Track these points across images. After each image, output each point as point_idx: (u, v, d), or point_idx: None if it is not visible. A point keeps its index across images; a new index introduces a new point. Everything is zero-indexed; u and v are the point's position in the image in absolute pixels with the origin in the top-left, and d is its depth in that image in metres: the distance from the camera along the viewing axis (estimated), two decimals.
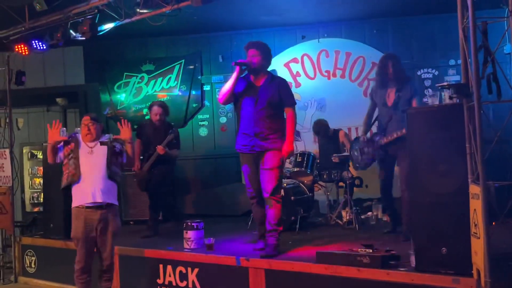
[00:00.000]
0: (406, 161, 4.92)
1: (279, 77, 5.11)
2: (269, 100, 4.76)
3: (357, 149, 5.70)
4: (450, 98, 3.70)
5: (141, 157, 6.39)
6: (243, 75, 4.90)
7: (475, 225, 3.33)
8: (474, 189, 3.37)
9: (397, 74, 5.26)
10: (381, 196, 5.81)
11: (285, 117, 4.91)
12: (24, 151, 9.26)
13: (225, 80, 5.29)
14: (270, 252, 4.62)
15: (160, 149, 6.13)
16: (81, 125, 4.73)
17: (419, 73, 7.76)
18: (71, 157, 4.63)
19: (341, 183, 6.62)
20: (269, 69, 4.97)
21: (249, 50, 4.86)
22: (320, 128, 6.86)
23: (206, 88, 8.54)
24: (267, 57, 4.90)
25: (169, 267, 5.10)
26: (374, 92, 5.57)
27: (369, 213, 6.62)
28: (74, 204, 4.56)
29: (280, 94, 4.81)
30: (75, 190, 4.57)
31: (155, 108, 6.33)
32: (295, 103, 4.93)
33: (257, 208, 4.93)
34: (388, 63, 5.29)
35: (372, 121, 5.67)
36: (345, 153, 6.39)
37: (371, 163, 5.65)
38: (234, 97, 4.92)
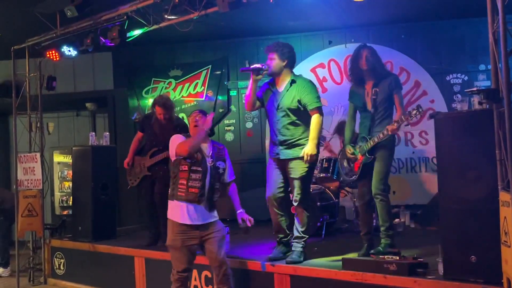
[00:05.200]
0: (384, 161, 4.58)
1: (302, 79, 4.79)
2: (289, 107, 4.63)
3: (346, 160, 4.99)
4: (480, 103, 3.64)
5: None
6: (268, 79, 4.86)
7: (506, 233, 3.26)
8: (504, 197, 3.30)
9: (371, 66, 4.71)
10: (359, 217, 5.06)
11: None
12: (54, 154, 9.45)
13: None
14: (296, 258, 4.60)
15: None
16: None
17: (448, 78, 7.64)
18: None
19: None
20: (295, 74, 4.84)
21: (268, 54, 4.74)
22: (343, 127, 6.73)
23: (233, 93, 8.58)
24: (285, 57, 4.68)
25: (194, 272, 5.12)
26: (352, 94, 5.05)
27: (396, 220, 6.52)
28: None
29: (300, 99, 4.61)
30: None
31: (158, 109, 5.87)
32: (320, 105, 4.66)
33: (273, 211, 4.86)
34: (362, 53, 4.79)
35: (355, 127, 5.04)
36: None
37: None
38: (260, 102, 4.87)
